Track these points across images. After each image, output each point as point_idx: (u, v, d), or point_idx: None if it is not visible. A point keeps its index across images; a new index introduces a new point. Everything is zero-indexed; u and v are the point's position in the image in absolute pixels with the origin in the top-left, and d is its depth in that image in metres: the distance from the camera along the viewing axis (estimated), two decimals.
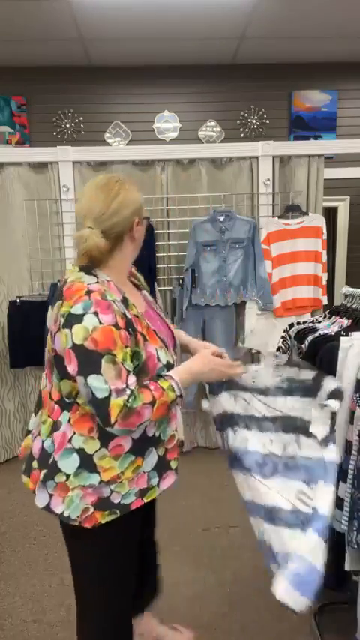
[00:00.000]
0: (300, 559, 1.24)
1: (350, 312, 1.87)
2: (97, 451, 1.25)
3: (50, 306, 1.31)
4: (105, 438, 1.25)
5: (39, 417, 1.37)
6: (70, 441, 1.26)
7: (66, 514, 1.26)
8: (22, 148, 4.18)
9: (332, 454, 1.32)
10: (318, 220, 3.31)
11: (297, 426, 1.38)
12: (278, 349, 2.08)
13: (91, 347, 1.15)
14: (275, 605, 2.00)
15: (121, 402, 1.15)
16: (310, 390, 1.39)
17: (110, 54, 4.05)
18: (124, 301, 1.25)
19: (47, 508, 1.28)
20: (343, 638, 1.84)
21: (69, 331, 1.16)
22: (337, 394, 1.36)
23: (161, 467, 1.36)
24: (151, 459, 1.33)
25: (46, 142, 4.14)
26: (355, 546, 1.47)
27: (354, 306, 1.88)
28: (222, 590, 2.13)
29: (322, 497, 1.28)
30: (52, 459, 1.28)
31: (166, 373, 1.28)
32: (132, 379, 1.18)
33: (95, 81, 4.27)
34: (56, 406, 1.29)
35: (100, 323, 1.16)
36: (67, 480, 1.26)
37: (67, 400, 1.27)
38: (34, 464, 1.34)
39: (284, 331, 2.10)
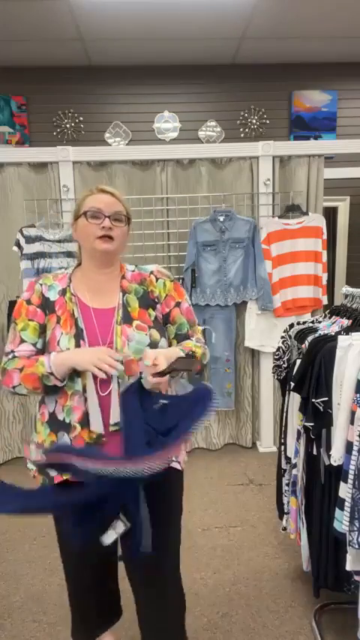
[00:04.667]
0: None
1: (350, 312, 1.87)
2: (36, 413, 1.48)
3: None
4: (40, 403, 1.45)
5: None
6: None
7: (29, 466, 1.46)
8: (22, 147, 4.18)
9: None
10: (318, 220, 3.31)
11: None
12: (278, 349, 2.08)
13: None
14: (275, 605, 2.01)
15: (2, 363, 1.41)
16: None
17: (110, 54, 4.05)
18: (63, 290, 1.43)
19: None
20: (343, 638, 1.83)
21: None
22: None
23: None
24: (64, 440, 1.36)
25: (46, 142, 4.14)
26: (356, 546, 1.47)
27: (354, 306, 1.88)
28: (222, 590, 2.12)
29: None
30: None
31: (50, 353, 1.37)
32: (23, 346, 1.40)
33: (95, 81, 4.27)
34: None
35: (21, 299, 1.45)
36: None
37: None
38: None
39: (284, 331, 2.10)
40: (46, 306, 1.41)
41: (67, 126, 4.28)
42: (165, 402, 1.24)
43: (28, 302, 1.42)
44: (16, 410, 3.48)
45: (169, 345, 1.45)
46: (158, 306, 1.44)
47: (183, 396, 1.30)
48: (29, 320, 1.41)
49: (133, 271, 1.48)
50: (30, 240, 3.08)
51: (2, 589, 2.18)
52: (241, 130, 4.39)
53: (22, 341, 1.40)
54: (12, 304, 3.24)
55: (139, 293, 1.43)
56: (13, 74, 4.19)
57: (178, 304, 1.47)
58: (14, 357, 1.38)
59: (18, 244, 3.09)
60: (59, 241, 3.10)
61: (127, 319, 1.38)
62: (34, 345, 1.40)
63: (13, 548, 2.47)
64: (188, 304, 1.50)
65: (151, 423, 1.20)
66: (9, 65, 4.16)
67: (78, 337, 1.35)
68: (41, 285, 1.44)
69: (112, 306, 1.40)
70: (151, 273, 1.47)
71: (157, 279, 1.46)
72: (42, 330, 1.41)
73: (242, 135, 4.39)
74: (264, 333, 3.34)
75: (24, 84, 4.21)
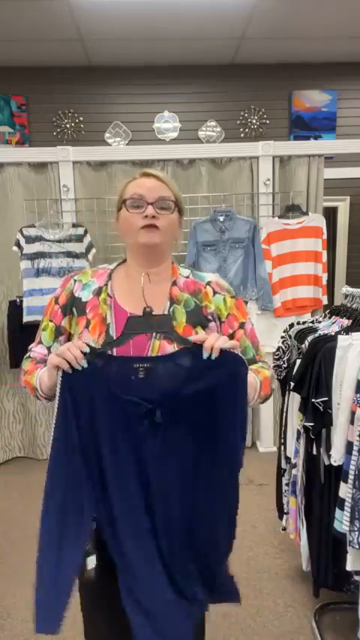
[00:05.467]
0: None
1: (350, 312, 1.87)
2: None
3: None
4: None
5: None
6: None
7: None
8: (22, 147, 4.18)
9: None
10: (318, 220, 3.31)
11: None
12: (278, 349, 2.08)
13: None
14: (275, 605, 2.01)
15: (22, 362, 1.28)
16: None
17: (110, 54, 4.05)
18: (99, 289, 1.22)
19: None
20: (343, 638, 1.83)
21: None
22: None
23: None
24: None
25: (46, 142, 4.14)
26: (357, 546, 1.47)
27: (354, 306, 1.88)
28: None
29: None
30: None
31: None
32: (39, 348, 1.26)
33: (95, 81, 4.27)
34: None
35: (52, 295, 1.28)
36: None
37: None
38: None
39: (284, 331, 2.10)
40: (76, 306, 1.21)
41: (67, 126, 4.28)
42: (146, 365, 1.05)
43: (56, 300, 1.25)
44: (17, 410, 3.48)
45: None
46: (211, 324, 1.20)
47: (178, 352, 1.06)
48: (50, 320, 1.25)
49: (187, 277, 1.25)
50: (30, 240, 3.08)
51: (2, 589, 2.18)
52: (241, 130, 4.39)
53: (41, 341, 1.26)
54: (12, 304, 3.24)
55: (189, 306, 1.20)
56: (13, 74, 4.19)
57: (242, 325, 1.25)
58: (29, 356, 1.26)
59: (18, 244, 3.09)
60: (59, 241, 3.10)
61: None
62: (49, 348, 1.24)
63: (13, 548, 2.47)
64: (251, 325, 1.29)
65: (135, 395, 1.02)
66: (9, 65, 4.16)
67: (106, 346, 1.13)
68: (75, 281, 1.24)
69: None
70: (209, 284, 1.24)
71: (214, 293, 1.23)
72: (59, 332, 1.23)
73: (242, 135, 4.39)
74: (264, 333, 3.34)
75: (24, 84, 4.21)
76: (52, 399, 1.12)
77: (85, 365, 1.01)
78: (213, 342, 1.01)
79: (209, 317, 1.21)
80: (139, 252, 1.19)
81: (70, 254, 3.11)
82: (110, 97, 4.29)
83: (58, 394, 1.02)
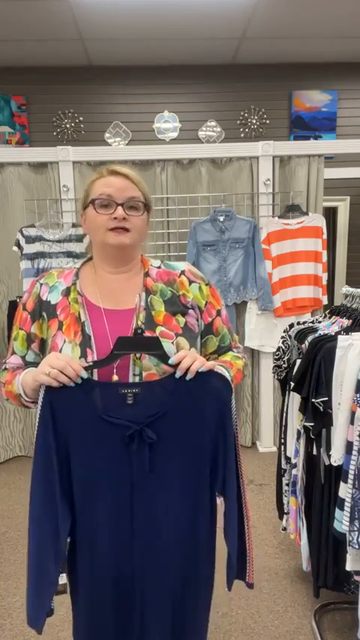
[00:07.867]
0: None
1: (350, 312, 1.87)
2: None
3: None
4: None
5: None
6: None
7: None
8: (22, 147, 4.18)
9: None
10: (318, 220, 3.31)
11: None
12: (278, 349, 2.08)
13: None
14: (275, 605, 2.01)
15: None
16: None
17: (110, 54, 4.05)
18: (67, 289, 1.19)
19: None
20: (343, 638, 1.84)
21: None
22: None
23: None
24: None
25: (46, 142, 4.14)
26: (356, 546, 1.47)
27: (354, 306, 1.88)
28: (222, 590, 2.12)
29: None
30: None
31: None
32: (13, 358, 1.22)
33: (95, 81, 4.27)
34: None
35: (21, 301, 1.25)
36: None
37: None
38: None
39: (284, 331, 2.10)
40: (45, 310, 1.18)
41: (67, 126, 4.28)
42: (132, 390, 1.03)
43: (24, 307, 1.22)
44: (17, 409, 3.48)
45: (207, 359, 1.21)
46: (191, 311, 1.18)
47: (166, 378, 1.06)
48: (20, 328, 1.21)
49: (159, 268, 1.23)
50: (30, 240, 3.08)
51: (2, 589, 2.18)
52: (241, 130, 4.39)
53: (14, 352, 1.22)
54: (12, 304, 3.25)
55: (165, 295, 1.18)
56: (13, 74, 4.19)
57: (218, 312, 1.24)
58: (5, 368, 1.23)
59: (18, 244, 3.09)
60: (59, 241, 3.10)
61: (150, 324, 1.13)
62: (23, 357, 1.21)
63: (13, 548, 2.47)
64: (225, 311, 1.29)
65: (123, 417, 1.02)
66: (9, 65, 4.16)
67: (84, 345, 1.10)
68: (41, 285, 1.20)
69: (130, 307, 1.15)
70: (182, 273, 1.22)
71: (190, 282, 1.21)
72: (30, 340, 1.20)
73: (242, 135, 4.39)
74: (264, 333, 3.34)
75: (24, 84, 4.21)
76: (36, 403, 1.10)
77: (73, 383, 1.01)
78: (189, 363, 1.02)
79: (188, 305, 1.19)
80: (108, 253, 1.18)
81: (70, 254, 3.11)
82: (110, 97, 4.29)
83: (39, 407, 1.02)
